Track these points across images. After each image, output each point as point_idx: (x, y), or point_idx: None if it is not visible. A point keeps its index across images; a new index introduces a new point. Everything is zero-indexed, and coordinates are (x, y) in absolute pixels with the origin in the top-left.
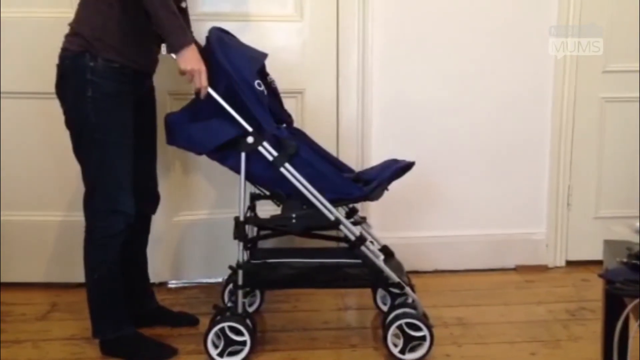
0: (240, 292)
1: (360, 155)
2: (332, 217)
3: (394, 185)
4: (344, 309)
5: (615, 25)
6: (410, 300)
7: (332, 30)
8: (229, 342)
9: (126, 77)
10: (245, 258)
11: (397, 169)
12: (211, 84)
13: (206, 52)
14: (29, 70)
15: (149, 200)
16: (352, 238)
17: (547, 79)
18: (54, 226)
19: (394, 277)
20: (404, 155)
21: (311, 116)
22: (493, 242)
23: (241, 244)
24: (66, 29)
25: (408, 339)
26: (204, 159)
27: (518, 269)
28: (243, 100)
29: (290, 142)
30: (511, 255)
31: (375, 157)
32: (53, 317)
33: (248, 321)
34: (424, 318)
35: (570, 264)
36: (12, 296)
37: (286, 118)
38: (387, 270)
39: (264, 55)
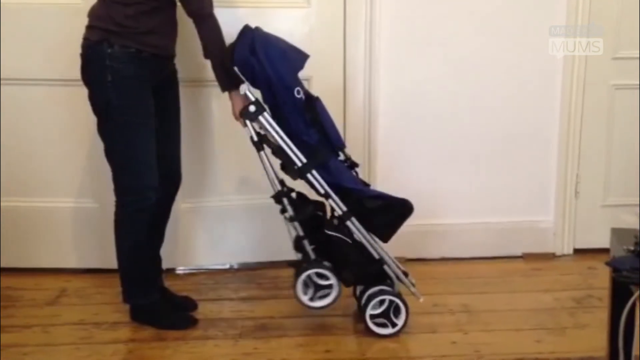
0: (306, 242)
1: (367, 141)
2: (339, 212)
3: (401, 174)
4: (351, 295)
5: (626, 10)
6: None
7: (339, 17)
8: (317, 288)
9: (144, 61)
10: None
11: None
12: (253, 82)
13: (243, 48)
14: (30, 57)
15: (172, 181)
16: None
17: (556, 66)
18: (64, 212)
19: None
20: (411, 142)
21: None
22: (500, 230)
23: (285, 199)
24: (66, 17)
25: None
26: (211, 147)
27: (525, 257)
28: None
29: (321, 150)
30: (518, 243)
31: (382, 145)
32: (62, 302)
33: (325, 263)
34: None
35: (577, 252)
36: (22, 281)
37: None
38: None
39: (306, 57)
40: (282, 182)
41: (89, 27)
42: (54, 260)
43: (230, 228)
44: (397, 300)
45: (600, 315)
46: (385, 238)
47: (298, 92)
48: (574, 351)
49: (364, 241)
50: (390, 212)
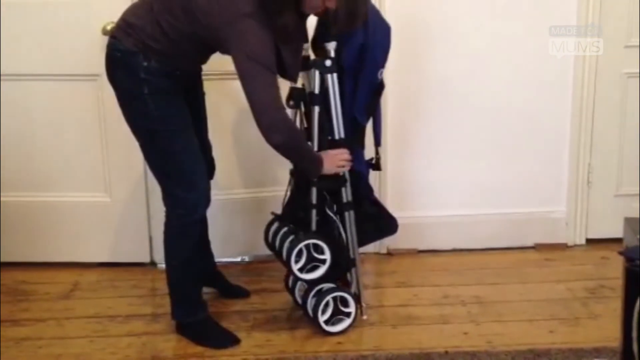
0: (314, 211)
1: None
2: (345, 200)
3: (412, 164)
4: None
5: None
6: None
7: None
8: (309, 260)
9: (177, 77)
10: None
11: None
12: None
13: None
14: (33, 53)
15: (207, 171)
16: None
17: (569, 55)
18: (76, 207)
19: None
20: (421, 133)
21: None
22: (512, 220)
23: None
24: (66, 13)
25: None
26: (222, 141)
27: (537, 247)
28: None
29: (362, 136)
30: (531, 233)
31: (392, 136)
32: (76, 296)
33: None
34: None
35: (590, 242)
36: (36, 276)
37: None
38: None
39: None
40: None
41: (125, 33)
42: (67, 255)
43: (241, 221)
44: (343, 294)
45: (614, 305)
46: (359, 244)
47: (380, 74)
48: (587, 341)
49: (350, 236)
50: (377, 223)
